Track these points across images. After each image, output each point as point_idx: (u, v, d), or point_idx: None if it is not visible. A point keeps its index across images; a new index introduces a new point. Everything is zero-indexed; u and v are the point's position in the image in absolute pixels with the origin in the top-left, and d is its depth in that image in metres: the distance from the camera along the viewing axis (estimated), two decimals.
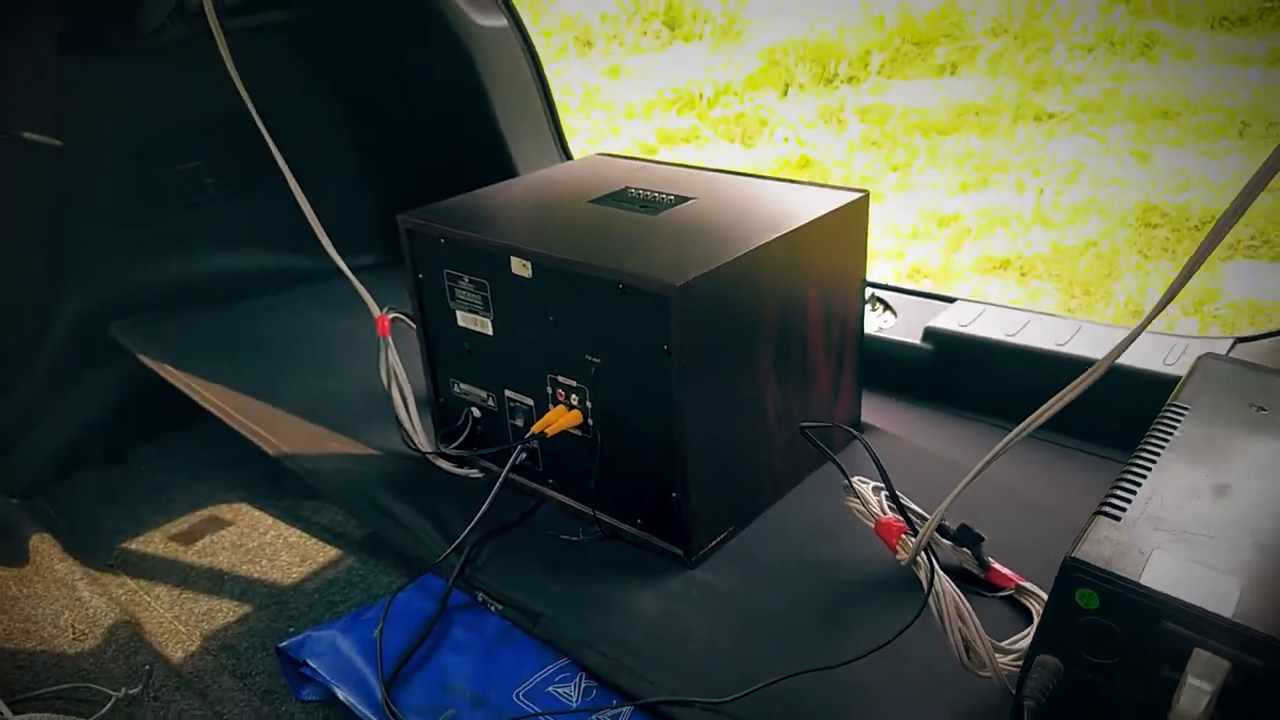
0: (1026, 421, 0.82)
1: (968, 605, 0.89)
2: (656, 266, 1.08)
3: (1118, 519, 0.82)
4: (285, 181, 1.34)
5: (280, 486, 1.42)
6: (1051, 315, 1.47)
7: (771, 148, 4.47)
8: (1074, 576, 0.77)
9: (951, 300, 1.56)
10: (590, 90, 5.22)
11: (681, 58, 5.50)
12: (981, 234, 3.52)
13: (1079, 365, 1.37)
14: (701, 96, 4.91)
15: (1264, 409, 0.98)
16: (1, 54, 1.54)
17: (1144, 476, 0.87)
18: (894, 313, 1.59)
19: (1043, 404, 1.41)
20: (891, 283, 1.63)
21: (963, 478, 1.35)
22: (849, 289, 1.31)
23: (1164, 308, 0.71)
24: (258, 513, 1.42)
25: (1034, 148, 4.07)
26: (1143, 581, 0.74)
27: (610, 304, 1.12)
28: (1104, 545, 0.78)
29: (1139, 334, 0.74)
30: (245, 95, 1.31)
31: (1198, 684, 0.70)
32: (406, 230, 1.31)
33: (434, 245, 1.29)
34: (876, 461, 0.92)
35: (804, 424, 1.03)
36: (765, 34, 5.42)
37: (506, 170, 1.96)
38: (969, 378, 1.46)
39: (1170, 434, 0.93)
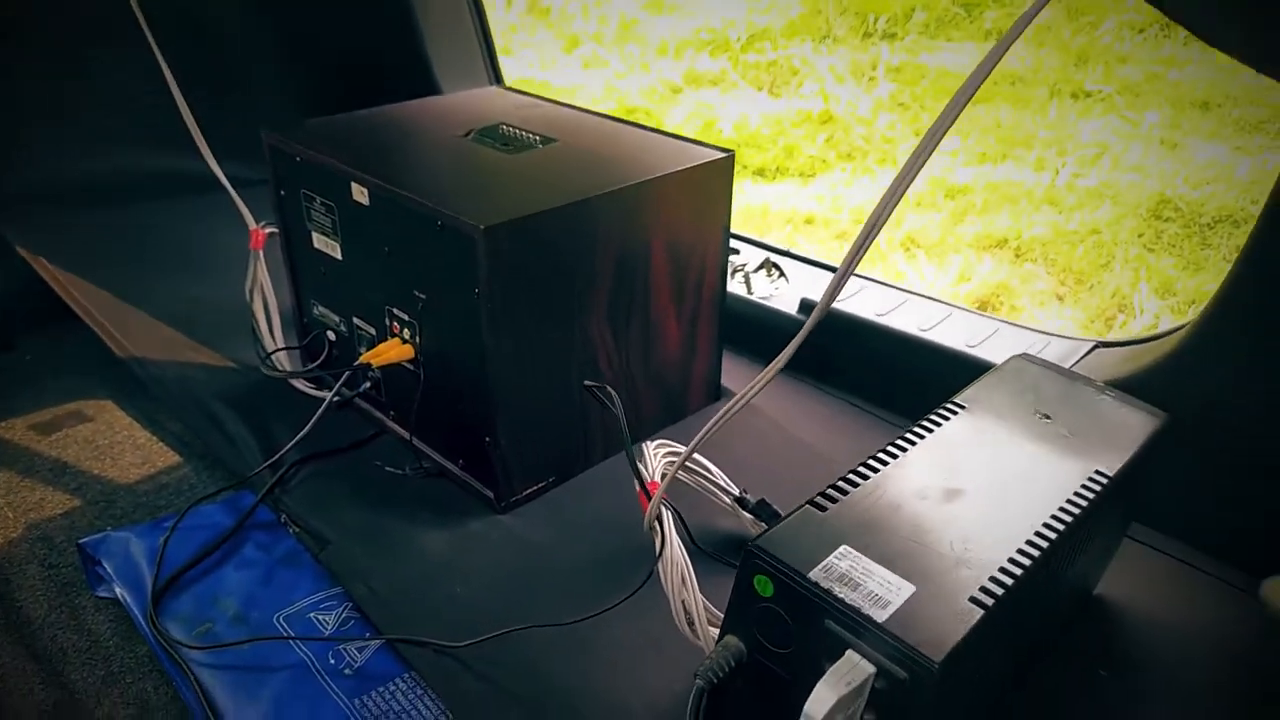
0: (766, 371, 0.78)
1: (693, 573, 0.87)
2: (472, 207, 1.06)
3: (824, 509, 0.79)
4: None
5: (146, 390, 1.44)
6: (928, 299, 1.42)
7: (798, 100, 4.36)
8: (751, 562, 0.75)
9: None
10: (626, 24, 5.13)
11: None
12: (987, 209, 3.41)
13: (938, 352, 1.33)
14: (736, 40, 4.80)
15: (1049, 418, 0.94)
16: None
17: (876, 470, 0.84)
18: (787, 280, 1.55)
19: (906, 386, 1.38)
20: (790, 249, 1.59)
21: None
22: (706, 248, 1.27)
23: (864, 251, 0.65)
24: (119, 412, 1.44)
25: (1063, 125, 3.92)
26: (810, 575, 0.72)
27: (432, 241, 1.10)
28: (792, 534, 0.76)
29: (843, 281, 0.67)
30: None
31: (828, 686, 0.68)
32: (270, 146, 1.30)
33: (292, 163, 1.28)
34: (620, 417, 0.90)
35: (586, 382, 1.01)
36: None
37: (430, 94, 1.93)
38: (838, 354, 1.42)
39: (929, 431, 0.90)
